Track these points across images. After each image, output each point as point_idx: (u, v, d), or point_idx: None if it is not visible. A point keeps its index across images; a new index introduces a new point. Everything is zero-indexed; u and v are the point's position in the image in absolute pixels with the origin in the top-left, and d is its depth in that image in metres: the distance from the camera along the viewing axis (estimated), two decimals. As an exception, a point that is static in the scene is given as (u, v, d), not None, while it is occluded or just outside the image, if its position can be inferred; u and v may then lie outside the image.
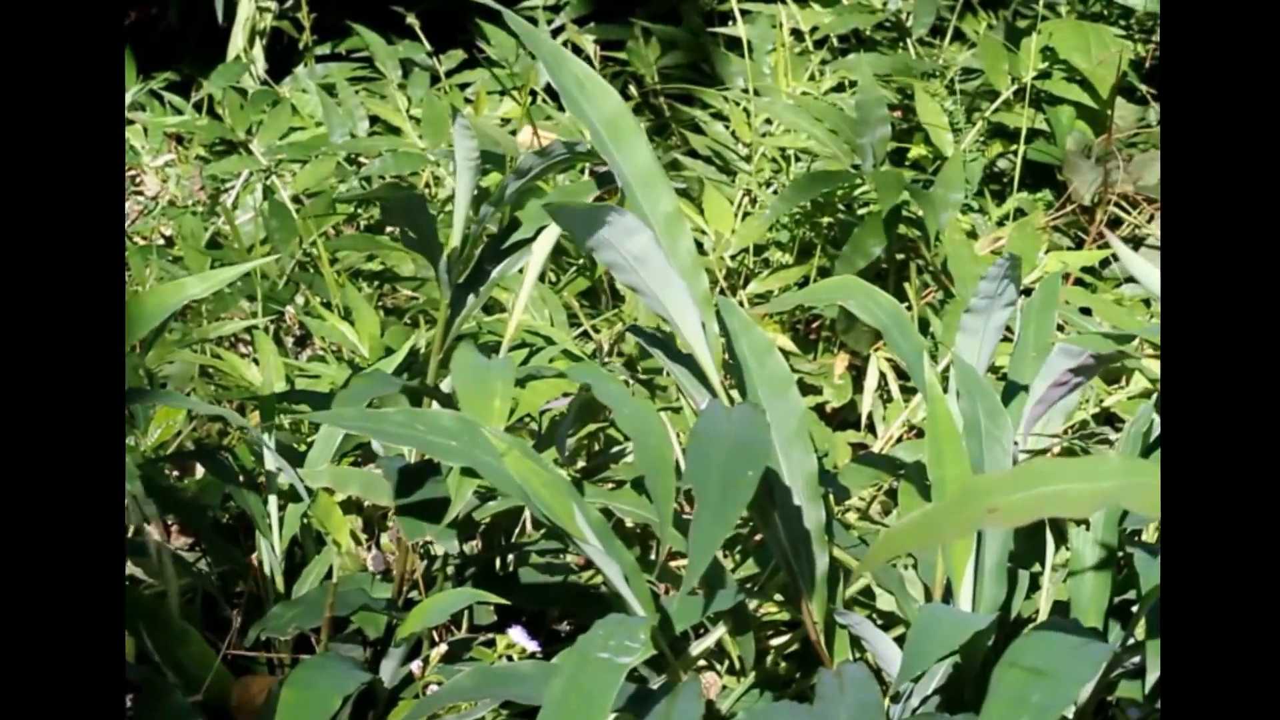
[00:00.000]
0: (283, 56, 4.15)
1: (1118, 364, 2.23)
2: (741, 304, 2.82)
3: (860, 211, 3.14)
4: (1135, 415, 1.91)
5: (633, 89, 3.80)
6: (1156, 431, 1.92)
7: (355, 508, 2.27)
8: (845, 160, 3.11)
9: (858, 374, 2.81)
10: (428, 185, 3.34)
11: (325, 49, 4.12)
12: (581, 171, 3.06)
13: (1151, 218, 3.17)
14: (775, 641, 2.07)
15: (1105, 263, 3.07)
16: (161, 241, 3.27)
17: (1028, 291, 2.28)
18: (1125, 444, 1.89)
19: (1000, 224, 3.16)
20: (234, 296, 2.92)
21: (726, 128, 3.40)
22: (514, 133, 3.36)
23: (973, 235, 3.09)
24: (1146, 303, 2.87)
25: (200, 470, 2.38)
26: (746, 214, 3.15)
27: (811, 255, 3.05)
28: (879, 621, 1.97)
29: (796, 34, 3.56)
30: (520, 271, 2.10)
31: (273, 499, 2.14)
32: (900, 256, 3.08)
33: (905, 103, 3.41)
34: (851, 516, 2.42)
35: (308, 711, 1.75)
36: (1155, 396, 1.92)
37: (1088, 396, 2.55)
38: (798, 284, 2.98)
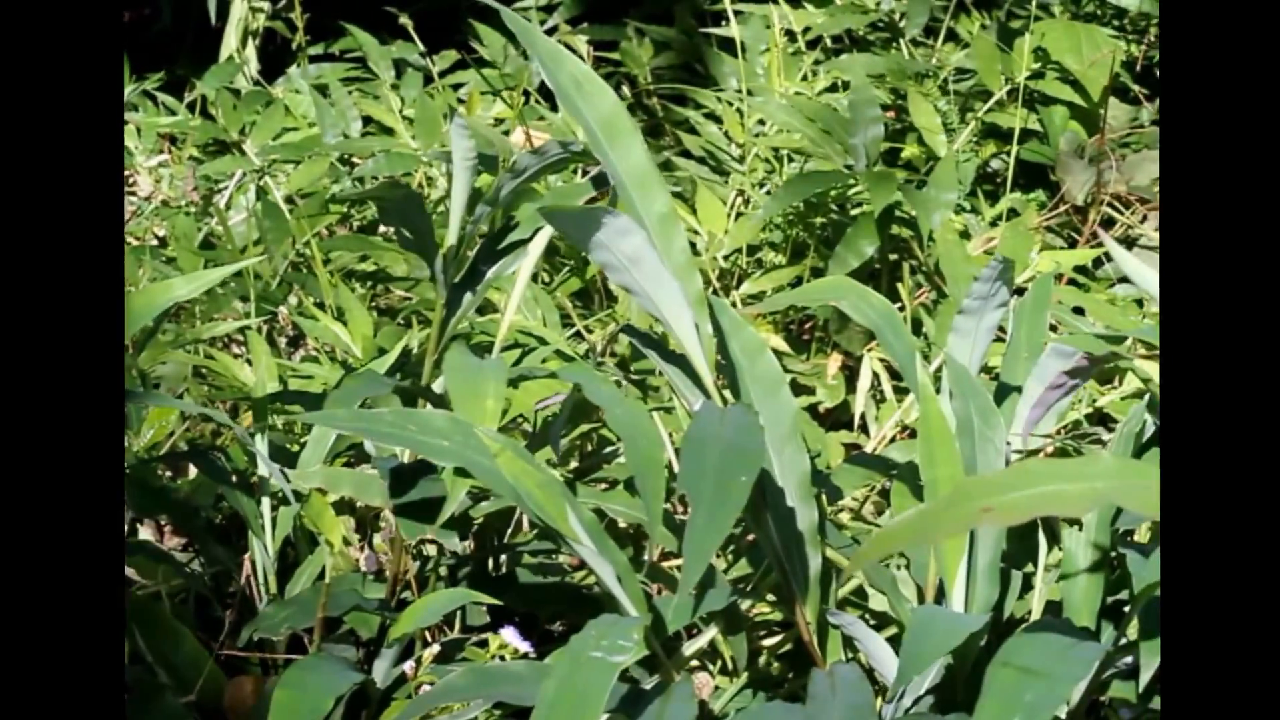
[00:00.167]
0: (276, 57, 4.16)
1: (1111, 364, 2.23)
2: (735, 304, 2.82)
3: (853, 212, 3.14)
4: (1128, 415, 1.91)
5: (626, 89, 3.80)
6: (1149, 431, 1.92)
7: (348, 508, 2.27)
8: (838, 160, 3.12)
9: (851, 374, 2.81)
10: (421, 186, 3.34)
11: (318, 49, 4.13)
12: (575, 172, 3.06)
13: (1144, 218, 3.17)
14: (768, 642, 2.07)
15: (1098, 263, 3.07)
16: (155, 242, 3.26)
17: (1020, 291, 2.28)
18: (1118, 444, 1.89)
19: (993, 224, 3.16)
20: (227, 297, 2.92)
21: (720, 128, 3.40)
22: (506, 133, 3.36)
23: (966, 235, 3.09)
24: (1139, 303, 2.87)
25: (193, 471, 2.38)
26: (739, 214, 3.15)
27: (804, 255, 3.05)
28: (871, 622, 1.97)
29: (790, 34, 3.56)
30: (513, 272, 2.10)
31: (265, 499, 2.14)
32: (893, 257, 3.08)
33: (898, 103, 3.41)
34: (844, 517, 2.42)
35: (300, 712, 1.75)
36: (1148, 397, 1.92)
37: (1080, 397, 2.55)
38: (791, 284, 2.98)
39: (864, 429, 2.73)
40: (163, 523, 2.43)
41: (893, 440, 2.63)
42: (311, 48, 4.03)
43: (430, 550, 2.10)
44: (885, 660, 1.77)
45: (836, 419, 2.81)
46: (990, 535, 1.78)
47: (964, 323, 1.95)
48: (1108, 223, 3.19)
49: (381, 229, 3.22)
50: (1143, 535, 1.89)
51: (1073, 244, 3.19)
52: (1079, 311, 2.72)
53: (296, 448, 2.26)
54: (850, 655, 1.86)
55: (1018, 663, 1.52)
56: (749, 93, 3.40)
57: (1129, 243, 3.15)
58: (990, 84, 3.35)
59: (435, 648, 1.98)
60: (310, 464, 2.16)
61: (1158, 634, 1.57)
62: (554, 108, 3.55)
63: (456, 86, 3.87)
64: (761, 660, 2.04)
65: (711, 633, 1.91)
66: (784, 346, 2.83)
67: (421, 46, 3.83)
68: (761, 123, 3.32)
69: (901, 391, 2.72)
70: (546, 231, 2.05)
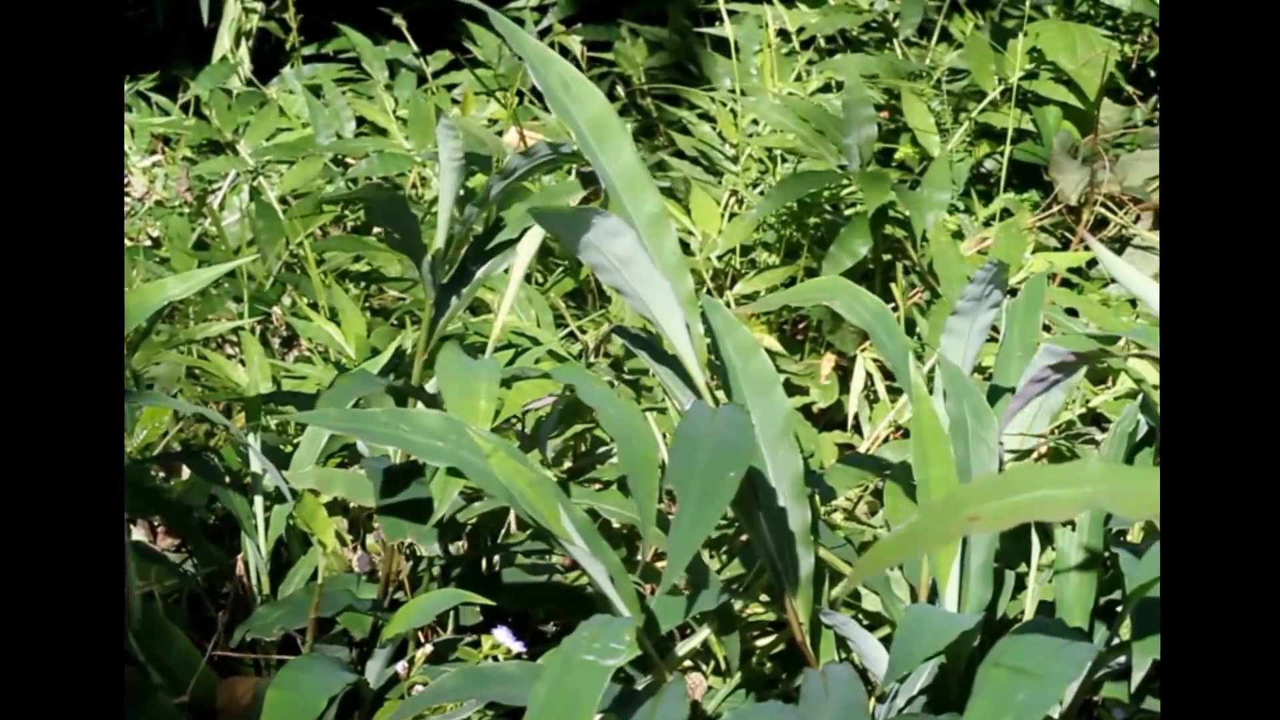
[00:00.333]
0: (269, 57, 4.15)
1: (1104, 364, 2.23)
2: (728, 304, 2.82)
3: (846, 212, 3.15)
4: (1121, 415, 1.91)
5: (619, 90, 3.80)
6: (1142, 431, 1.92)
7: (341, 509, 2.27)
8: (831, 161, 3.12)
9: (844, 374, 2.82)
10: (414, 186, 3.34)
11: (312, 50, 4.12)
12: (568, 172, 3.06)
13: (1138, 218, 3.17)
14: (761, 642, 2.07)
15: (1092, 263, 3.07)
16: (148, 242, 3.26)
17: (1014, 292, 2.28)
18: (1110, 444, 1.89)
19: (987, 224, 3.16)
20: (221, 298, 2.92)
21: (713, 128, 3.40)
22: (500, 134, 3.36)
23: (959, 236, 3.09)
24: (1133, 303, 2.87)
25: (186, 471, 2.38)
26: (733, 214, 3.15)
27: (798, 256, 3.05)
28: (865, 622, 1.97)
29: (783, 34, 3.56)
30: (506, 272, 2.10)
31: (258, 500, 2.14)
32: (886, 257, 3.09)
33: (892, 103, 3.41)
34: (838, 517, 2.42)
35: (293, 712, 1.75)
36: (1141, 397, 1.92)
37: (1074, 397, 2.55)
38: (784, 284, 2.98)
39: (857, 429, 2.73)
40: (156, 523, 2.43)
41: (886, 440, 2.63)
42: (305, 48, 4.03)
43: (423, 551, 2.10)
44: (878, 660, 1.77)
45: (830, 419, 2.81)
46: (983, 536, 1.78)
47: (957, 323, 1.95)
48: (1101, 223, 3.19)
49: (375, 229, 3.21)
50: (1135, 535, 1.89)
51: (1066, 244, 3.19)
52: (1072, 312, 2.72)
53: (290, 448, 2.26)
54: (843, 655, 1.86)
55: (1010, 663, 1.52)
56: (743, 93, 3.40)
57: (1123, 243, 3.15)
58: (984, 84, 3.35)
59: (428, 648, 1.98)
60: (303, 464, 2.16)
61: (1150, 634, 1.57)
62: (548, 108, 3.54)
63: (450, 87, 3.87)
64: (754, 660, 2.04)
65: (704, 633, 1.91)
66: (777, 347, 2.84)
67: (415, 47, 3.83)
68: (755, 123, 3.32)
69: (895, 392, 2.72)
70: (537, 231, 2.05)
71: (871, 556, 1.53)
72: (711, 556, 2.13)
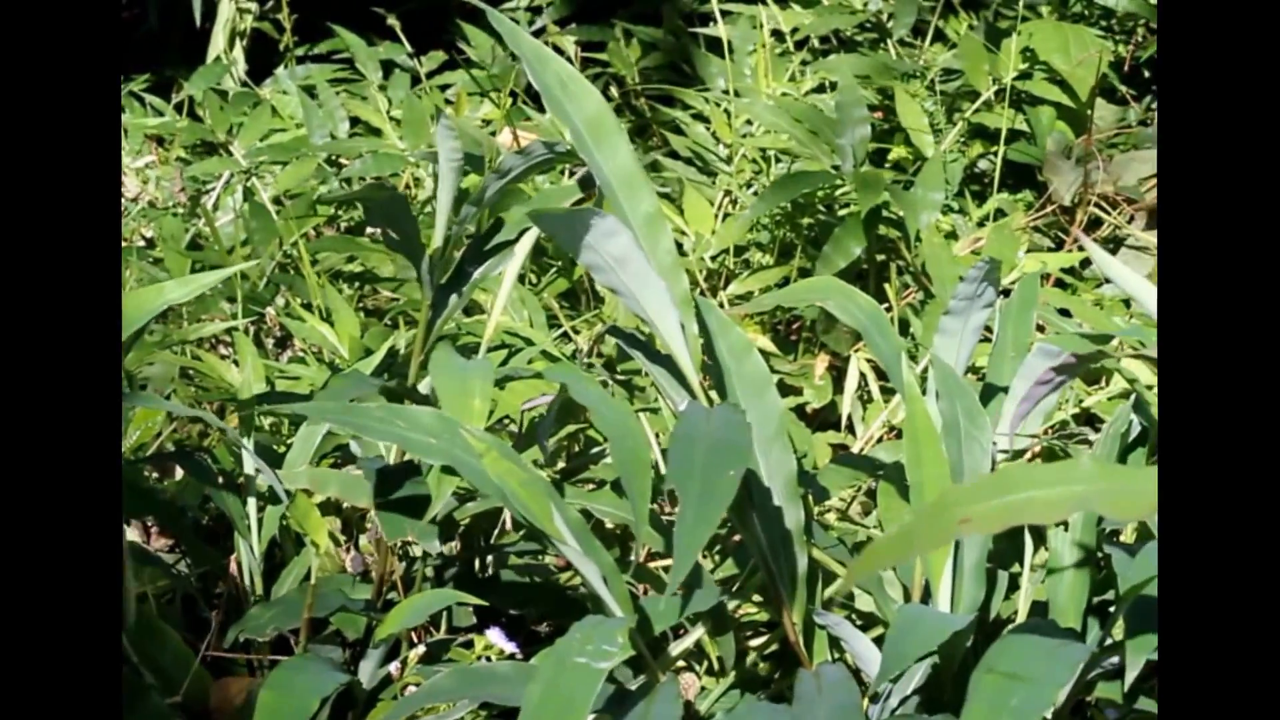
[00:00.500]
0: (263, 58, 4.15)
1: (1097, 365, 2.23)
2: (722, 305, 2.82)
3: (840, 212, 3.15)
4: (1114, 415, 1.92)
5: (614, 90, 3.80)
6: (1135, 432, 1.92)
7: (334, 509, 2.27)
8: (825, 161, 3.12)
9: (838, 375, 2.82)
10: (408, 186, 3.34)
11: (305, 50, 4.12)
12: (562, 173, 3.06)
13: (1132, 218, 3.17)
14: (754, 642, 2.07)
15: (1086, 263, 3.07)
16: (142, 243, 3.26)
17: (1007, 292, 2.28)
18: (1104, 444, 1.89)
19: (980, 225, 3.17)
20: (215, 298, 2.92)
21: (707, 129, 3.40)
22: (494, 134, 3.36)
23: (953, 236, 3.10)
24: (1126, 303, 2.87)
25: (180, 472, 2.38)
26: (727, 215, 3.15)
27: (792, 256, 3.05)
28: (858, 622, 1.97)
29: (777, 35, 3.56)
30: (500, 273, 2.10)
31: (252, 500, 2.13)
32: (880, 257, 3.09)
33: (886, 103, 3.41)
34: (831, 517, 2.42)
35: (286, 713, 1.75)
36: (1134, 397, 1.93)
37: (1067, 397, 2.55)
38: (778, 285, 2.98)
39: (851, 429, 2.74)
40: (149, 524, 2.43)
41: (880, 440, 2.63)
42: (299, 49, 4.03)
43: (416, 551, 2.10)
44: (871, 660, 1.77)
45: (824, 419, 2.81)
46: (976, 536, 1.78)
47: (950, 323, 1.95)
48: (1094, 223, 3.19)
49: (369, 230, 3.22)
50: (1128, 535, 1.89)
51: (1060, 244, 3.19)
52: (1065, 313, 2.72)
53: (283, 449, 2.26)
54: (837, 655, 1.86)
55: (1003, 668, 1.52)
56: (736, 93, 3.40)
57: (1116, 243, 3.15)
58: (978, 84, 3.35)
59: (421, 648, 1.98)
60: (296, 465, 2.16)
61: (1144, 634, 1.57)
62: (542, 109, 3.54)
63: (444, 87, 3.87)
64: (748, 660, 2.03)
65: (698, 633, 1.91)
66: (771, 347, 2.84)
67: (409, 47, 3.83)
68: (749, 123, 3.33)
69: (888, 392, 2.73)
70: (532, 232, 2.05)
71: (865, 559, 1.53)
72: (705, 556, 2.12)
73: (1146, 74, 3.64)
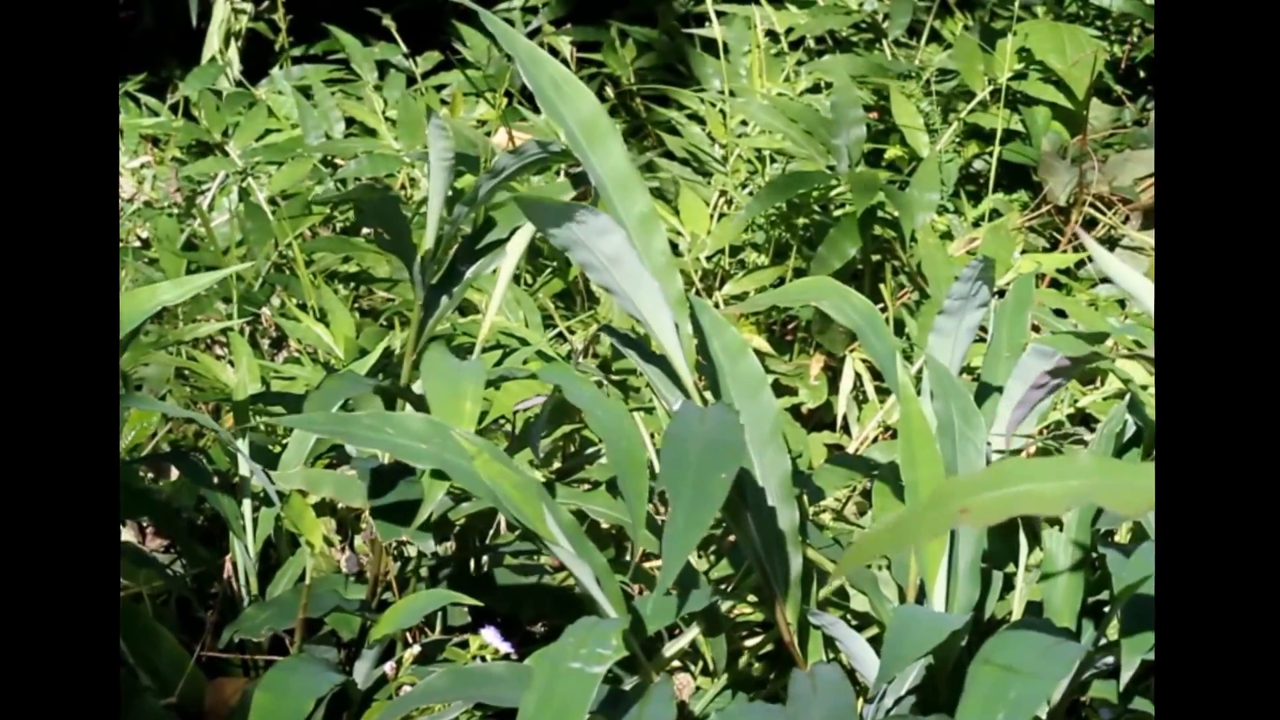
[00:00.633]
0: (259, 58, 4.15)
1: (1093, 365, 2.24)
2: (717, 305, 2.82)
3: (836, 213, 3.15)
4: (1109, 415, 1.92)
5: (609, 90, 3.80)
6: (1130, 431, 1.92)
7: (329, 509, 2.27)
8: (821, 161, 3.12)
9: (833, 375, 2.81)
10: (403, 187, 3.34)
11: (301, 51, 4.12)
12: (556, 173, 3.06)
13: (1127, 218, 3.17)
14: (749, 642, 2.06)
15: (1081, 264, 3.08)
16: (137, 243, 3.26)
17: (1002, 293, 2.28)
18: (1099, 443, 1.89)
19: (976, 225, 3.17)
20: (210, 299, 2.91)
21: (702, 129, 3.40)
22: (489, 134, 3.36)
23: (948, 236, 3.09)
24: (1121, 304, 2.87)
25: (175, 472, 2.38)
26: (722, 215, 3.15)
27: (787, 256, 3.05)
28: (853, 622, 1.97)
29: (772, 35, 3.56)
30: (494, 273, 2.10)
31: (247, 501, 2.13)
32: (875, 257, 3.09)
33: (881, 104, 3.41)
34: (826, 517, 2.42)
35: (281, 713, 1.75)
36: (1129, 397, 1.92)
37: (1062, 397, 2.55)
38: (773, 285, 2.98)
39: (846, 430, 2.73)
40: (145, 524, 2.43)
41: (875, 441, 2.63)
42: (294, 49, 4.02)
43: (411, 551, 2.10)
44: (866, 660, 1.77)
45: (819, 420, 2.81)
46: (971, 535, 1.78)
47: (945, 323, 1.95)
48: (1090, 223, 3.19)
49: (364, 230, 3.21)
50: (1123, 535, 1.89)
51: (1055, 244, 3.19)
52: (1060, 313, 2.72)
53: (278, 449, 2.26)
54: (831, 656, 1.86)
55: (1000, 661, 1.52)
56: (732, 94, 3.40)
57: (1111, 243, 3.15)
58: (973, 84, 3.35)
59: (416, 649, 1.98)
60: (291, 465, 2.16)
61: (1139, 634, 1.57)
62: (537, 109, 3.54)
63: (440, 88, 3.87)
64: (742, 661, 2.03)
65: (692, 633, 1.91)
66: (766, 347, 2.84)
67: (404, 48, 3.83)
68: (744, 124, 3.32)
69: (884, 392, 2.72)
70: (526, 231, 2.05)
71: (859, 548, 1.53)
72: (700, 557, 2.12)
73: (1142, 74, 3.64)
